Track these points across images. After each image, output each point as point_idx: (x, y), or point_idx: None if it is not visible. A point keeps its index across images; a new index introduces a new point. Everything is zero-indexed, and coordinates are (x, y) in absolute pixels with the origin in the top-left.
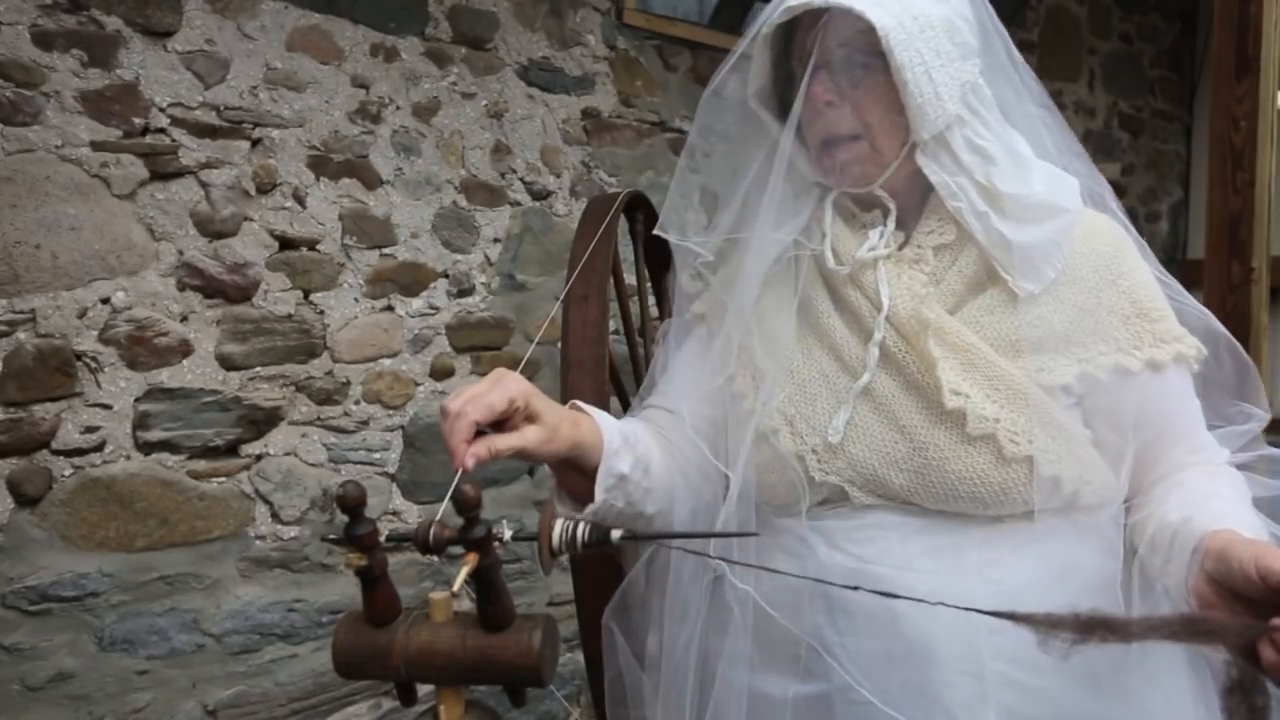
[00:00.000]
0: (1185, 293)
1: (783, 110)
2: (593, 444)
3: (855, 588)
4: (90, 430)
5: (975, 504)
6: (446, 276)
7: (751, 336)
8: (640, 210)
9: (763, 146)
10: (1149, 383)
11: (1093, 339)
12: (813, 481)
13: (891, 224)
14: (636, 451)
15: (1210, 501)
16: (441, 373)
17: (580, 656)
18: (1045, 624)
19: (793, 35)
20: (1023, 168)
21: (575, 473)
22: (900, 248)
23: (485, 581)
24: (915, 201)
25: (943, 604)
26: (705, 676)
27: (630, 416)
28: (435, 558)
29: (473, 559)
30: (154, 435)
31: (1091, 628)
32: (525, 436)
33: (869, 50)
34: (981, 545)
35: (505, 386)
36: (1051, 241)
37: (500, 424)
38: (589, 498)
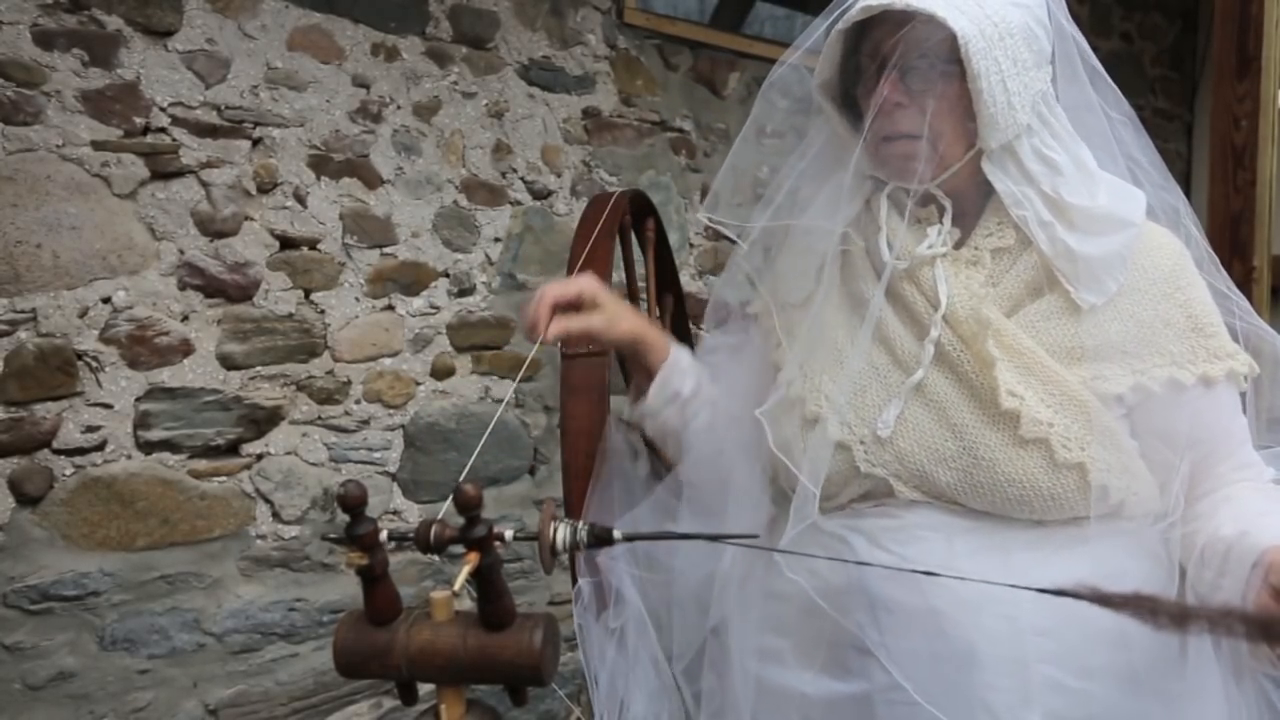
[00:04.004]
0: (1253, 312)
1: (845, 101)
2: (657, 345)
3: (903, 570)
4: (91, 429)
5: (1022, 507)
6: (447, 276)
7: (799, 325)
8: (640, 209)
9: (818, 139)
10: (1200, 398)
11: (1148, 351)
12: (858, 473)
13: (948, 222)
14: (702, 383)
15: (1265, 517)
16: (442, 372)
17: (580, 655)
18: (1095, 600)
19: (865, 30)
20: (1088, 179)
21: (645, 374)
22: (956, 246)
23: (486, 581)
24: (974, 204)
25: (988, 581)
26: (724, 671)
27: None
28: (436, 557)
29: (473, 558)
30: (155, 434)
31: (1149, 610)
32: (590, 319)
33: (948, 57)
34: (1027, 547)
35: (579, 280)
36: (1116, 255)
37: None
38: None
